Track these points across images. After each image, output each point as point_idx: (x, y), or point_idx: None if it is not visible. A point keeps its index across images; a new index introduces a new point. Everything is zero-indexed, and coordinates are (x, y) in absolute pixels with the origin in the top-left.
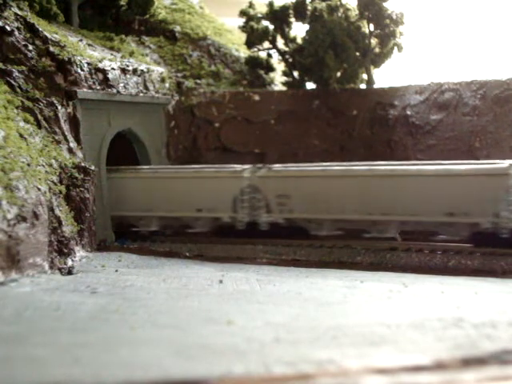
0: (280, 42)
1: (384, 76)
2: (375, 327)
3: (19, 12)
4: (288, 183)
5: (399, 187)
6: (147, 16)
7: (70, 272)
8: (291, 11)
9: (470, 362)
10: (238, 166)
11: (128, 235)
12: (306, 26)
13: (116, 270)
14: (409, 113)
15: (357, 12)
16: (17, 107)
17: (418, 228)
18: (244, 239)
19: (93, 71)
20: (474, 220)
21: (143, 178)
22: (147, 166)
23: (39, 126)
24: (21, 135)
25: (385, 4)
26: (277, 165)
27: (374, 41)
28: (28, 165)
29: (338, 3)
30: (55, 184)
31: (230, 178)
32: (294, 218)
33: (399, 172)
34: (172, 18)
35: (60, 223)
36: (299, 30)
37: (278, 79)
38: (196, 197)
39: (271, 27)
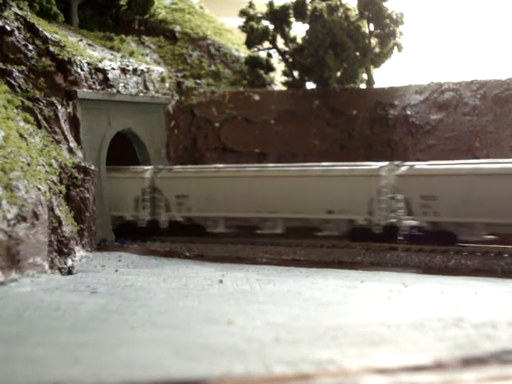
0: (280, 42)
1: (384, 76)
2: (375, 327)
3: (19, 12)
4: (433, 183)
5: None
6: (147, 16)
7: (69, 272)
8: (291, 11)
9: (470, 362)
10: (374, 164)
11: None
12: (306, 26)
13: (116, 270)
14: (409, 113)
15: (357, 12)
16: (17, 107)
17: None
18: (381, 244)
19: (93, 71)
20: None
21: (267, 176)
22: (271, 164)
23: (39, 125)
24: (21, 135)
25: (385, 4)
26: (419, 163)
27: (373, 41)
28: (28, 165)
29: (338, 3)
30: (55, 184)
31: (365, 177)
32: (440, 221)
33: None
34: (172, 17)
35: (60, 223)
36: (299, 29)
37: (277, 79)
38: (326, 197)
39: (271, 27)
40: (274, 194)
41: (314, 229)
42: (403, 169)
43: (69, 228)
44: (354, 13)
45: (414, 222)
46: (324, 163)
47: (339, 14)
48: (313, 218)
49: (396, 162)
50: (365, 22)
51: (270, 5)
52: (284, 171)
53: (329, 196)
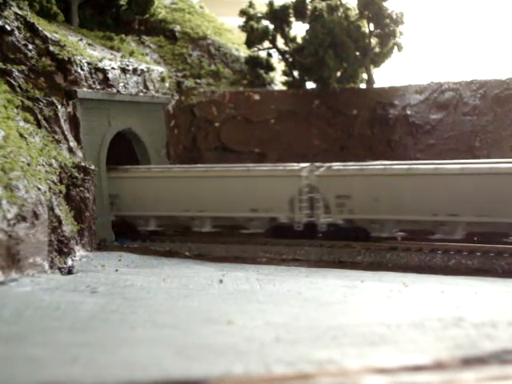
0: (280, 42)
1: (384, 76)
2: (375, 327)
3: (19, 11)
4: None
5: None
6: (147, 16)
7: (70, 271)
8: (291, 11)
9: (469, 362)
10: None
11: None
12: (306, 26)
13: (116, 270)
14: (409, 112)
15: (357, 11)
16: (17, 107)
17: None
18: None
19: (93, 71)
20: None
21: (444, 174)
22: (445, 161)
23: (39, 125)
24: (21, 135)
25: (385, 4)
26: None
27: (373, 40)
28: (28, 164)
29: (338, 3)
30: (55, 183)
31: None
32: None
33: None
34: (172, 17)
35: (60, 223)
36: (299, 29)
37: (277, 79)
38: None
39: (271, 27)
40: (453, 194)
41: (502, 234)
42: None
43: (69, 228)
44: (353, 12)
45: None
46: (500, 160)
47: (339, 14)
48: (503, 222)
49: None
50: (365, 21)
51: (270, 4)
52: (464, 169)
53: None
